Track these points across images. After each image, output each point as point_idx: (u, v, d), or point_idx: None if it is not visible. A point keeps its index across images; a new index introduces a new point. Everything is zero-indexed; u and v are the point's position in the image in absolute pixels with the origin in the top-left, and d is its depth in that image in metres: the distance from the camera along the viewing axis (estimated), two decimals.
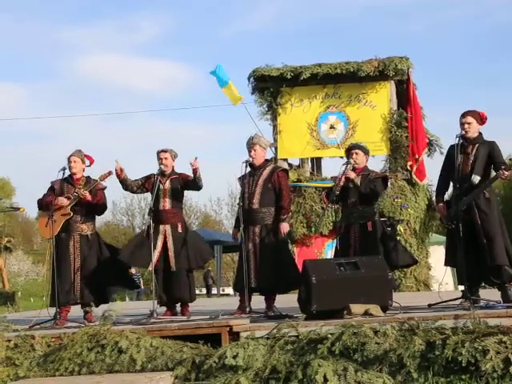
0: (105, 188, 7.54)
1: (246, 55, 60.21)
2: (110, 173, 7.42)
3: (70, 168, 7.42)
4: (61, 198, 7.30)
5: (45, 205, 7.40)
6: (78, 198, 7.27)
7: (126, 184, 7.51)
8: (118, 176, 7.42)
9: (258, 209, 7.17)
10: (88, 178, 7.48)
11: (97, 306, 7.24)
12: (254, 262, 7.10)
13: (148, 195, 7.72)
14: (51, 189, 7.47)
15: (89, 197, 7.28)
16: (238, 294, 7.44)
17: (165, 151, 7.53)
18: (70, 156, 7.45)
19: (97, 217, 7.72)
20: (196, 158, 7.16)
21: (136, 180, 7.60)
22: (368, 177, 7.12)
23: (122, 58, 65.51)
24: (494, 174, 6.59)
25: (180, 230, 7.43)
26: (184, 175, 7.55)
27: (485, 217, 6.45)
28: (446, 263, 6.74)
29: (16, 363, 5.55)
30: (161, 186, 7.42)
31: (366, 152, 7.30)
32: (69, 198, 7.28)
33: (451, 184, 6.79)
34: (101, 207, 7.52)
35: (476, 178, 6.46)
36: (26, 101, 65.13)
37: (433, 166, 13.67)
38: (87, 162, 7.57)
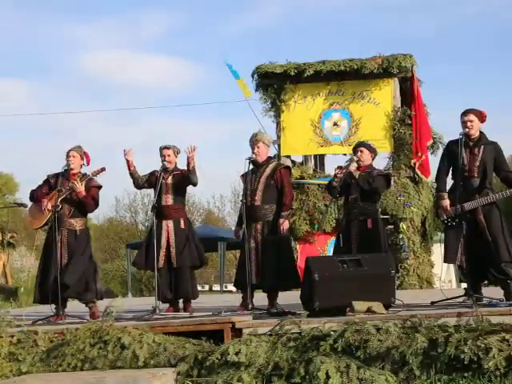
0: (100, 187, 7.44)
1: (249, 52, 60.15)
2: (102, 169, 7.38)
3: (67, 162, 7.38)
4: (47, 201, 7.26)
5: (35, 198, 7.36)
6: (70, 191, 7.20)
7: (135, 177, 7.57)
8: (128, 167, 7.48)
9: (260, 205, 7.18)
10: (84, 174, 7.41)
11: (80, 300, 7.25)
12: (256, 259, 7.10)
13: (151, 191, 7.74)
14: (46, 182, 7.45)
15: (83, 192, 7.21)
16: (240, 290, 7.45)
17: (167, 148, 7.55)
18: (70, 150, 7.40)
19: (98, 214, 7.73)
20: (194, 148, 7.23)
21: (144, 175, 7.64)
22: (370, 174, 7.13)
23: (126, 54, 65.52)
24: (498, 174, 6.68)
25: (182, 225, 7.46)
26: (185, 171, 7.56)
27: (489, 215, 6.49)
28: (446, 260, 6.72)
29: (19, 358, 5.57)
30: (163, 182, 7.43)
31: (371, 150, 7.28)
32: (60, 191, 7.25)
33: (450, 180, 6.81)
34: (91, 204, 7.35)
35: (488, 183, 6.53)
36: (28, 97, 65.21)
37: (436, 163, 13.63)
38: (85, 160, 7.53)
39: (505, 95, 61.07)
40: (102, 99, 62.61)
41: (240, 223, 7.28)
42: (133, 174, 7.55)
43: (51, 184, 7.37)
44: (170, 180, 7.49)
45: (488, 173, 6.57)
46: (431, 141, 13.69)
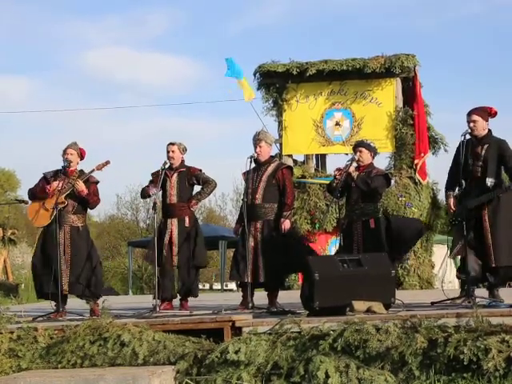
0: (97, 182, 7.44)
1: (252, 51, 60.07)
2: (107, 162, 7.36)
3: (66, 160, 7.36)
4: (55, 182, 7.27)
5: (38, 192, 7.32)
6: (73, 188, 7.19)
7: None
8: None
9: (260, 204, 7.17)
10: (81, 171, 7.42)
11: (83, 298, 7.22)
12: (253, 257, 7.08)
13: None
14: (44, 179, 7.41)
15: (85, 190, 7.20)
16: (240, 289, 7.44)
17: (172, 144, 7.53)
18: (67, 148, 7.38)
19: (99, 211, 7.73)
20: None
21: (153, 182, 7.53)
22: (369, 174, 7.11)
23: (128, 52, 65.48)
24: (504, 172, 6.66)
25: (187, 224, 7.42)
26: (193, 169, 7.54)
27: (493, 216, 6.46)
28: (450, 255, 6.77)
29: (19, 355, 5.58)
30: (168, 180, 7.42)
31: (371, 150, 7.26)
32: (63, 188, 7.21)
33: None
34: (95, 200, 7.36)
35: (490, 182, 6.48)
36: (30, 94, 65.23)
37: (437, 164, 13.63)
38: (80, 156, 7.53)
39: (505, 96, 60.96)
40: (103, 97, 62.60)
41: (240, 221, 7.27)
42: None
43: (49, 181, 7.35)
44: (174, 177, 7.47)
45: (491, 171, 6.52)
46: (428, 154, 13.68)
